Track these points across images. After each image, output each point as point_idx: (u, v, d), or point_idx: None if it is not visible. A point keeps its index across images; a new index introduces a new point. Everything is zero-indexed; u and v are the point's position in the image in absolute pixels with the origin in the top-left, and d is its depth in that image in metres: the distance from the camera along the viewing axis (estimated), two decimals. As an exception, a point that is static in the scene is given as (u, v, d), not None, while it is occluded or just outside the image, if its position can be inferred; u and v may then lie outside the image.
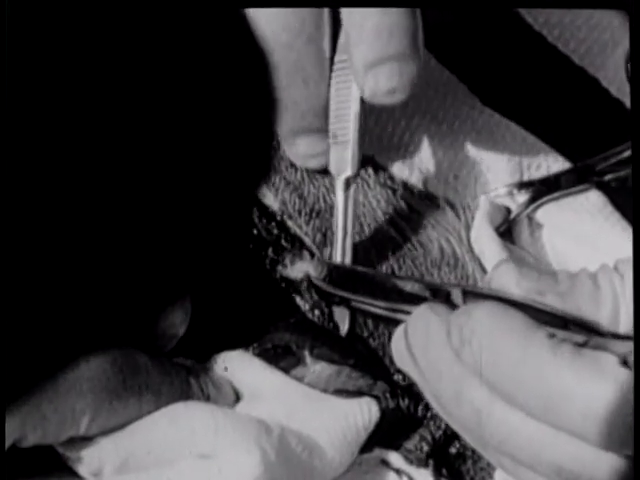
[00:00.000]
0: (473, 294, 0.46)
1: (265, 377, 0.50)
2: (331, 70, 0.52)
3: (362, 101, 0.52)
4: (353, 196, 0.53)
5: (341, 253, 0.53)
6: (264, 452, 0.45)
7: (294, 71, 0.51)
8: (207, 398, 0.48)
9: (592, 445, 0.41)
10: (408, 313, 0.47)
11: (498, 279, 0.46)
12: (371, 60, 0.49)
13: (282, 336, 0.52)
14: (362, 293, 0.51)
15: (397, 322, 0.48)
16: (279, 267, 0.54)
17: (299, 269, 0.53)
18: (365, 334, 0.53)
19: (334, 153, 0.53)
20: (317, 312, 0.53)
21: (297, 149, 0.54)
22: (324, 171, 0.55)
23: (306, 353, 0.52)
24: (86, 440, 0.47)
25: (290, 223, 0.55)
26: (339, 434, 0.48)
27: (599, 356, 0.41)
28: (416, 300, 0.48)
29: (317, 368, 0.52)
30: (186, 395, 0.48)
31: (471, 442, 0.46)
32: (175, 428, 0.46)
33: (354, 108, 0.52)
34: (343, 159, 0.53)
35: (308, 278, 0.52)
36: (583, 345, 0.42)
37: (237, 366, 0.50)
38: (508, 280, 0.46)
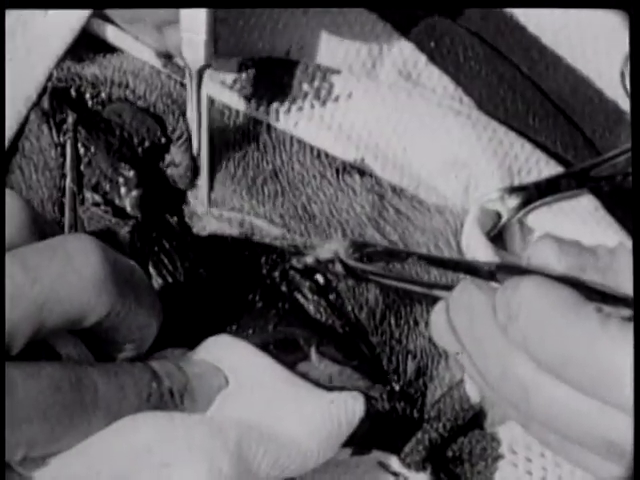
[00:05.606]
0: (511, 271, 0.45)
1: (252, 361, 0.49)
2: None
3: None
4: (206, 88, 0.55)
5: (197, 147, 0.56)
6: (212, 461, 0.44)
7: None
8: (172, 406, 0.46)
9: None
10: (444, 289, 0.47)
11: (538, 255, 0.46)
12: None
13: (291, 330, 0.52)
14: (394, 270, 0.51)
15: (430, 299, 0.48)
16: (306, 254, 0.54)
17: (328, 249, 0.53)
18: (369, 329, 0.53)
19: (187, 45, 0.54)
20: (322, 310, 0.52)
21: (167, 41, 0.55)
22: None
23: (312, 350, 0.51)
24: (37, 459, 0.43)
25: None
26: (319, 425, 0.47)
27: None
28: (448, 278, 0.48)
29: (321, 366, 0.51)
30: (144, 406, 0.45)
31: (516, 419, 0.45)
32: (127, 441, 0.44)
33: None
34: (196, 50, 0.54)
35: (338, 258, 0.52)
36: (629, 320, 0.41)
37: (225, 350, 0.49)
38: (548, 256, 0.45)
